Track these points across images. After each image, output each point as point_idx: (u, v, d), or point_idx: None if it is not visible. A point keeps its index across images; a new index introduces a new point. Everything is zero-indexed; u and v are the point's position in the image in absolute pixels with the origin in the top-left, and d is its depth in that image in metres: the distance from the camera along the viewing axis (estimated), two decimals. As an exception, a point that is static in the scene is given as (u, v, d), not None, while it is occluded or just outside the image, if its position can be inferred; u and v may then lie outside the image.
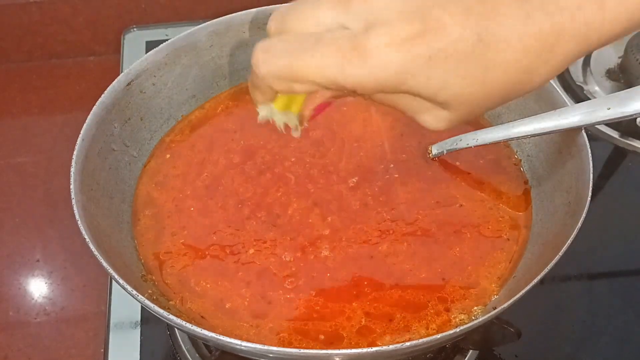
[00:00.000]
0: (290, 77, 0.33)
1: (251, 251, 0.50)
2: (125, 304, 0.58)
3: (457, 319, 0.46)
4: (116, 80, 0.55)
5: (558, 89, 0.53)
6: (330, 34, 0.32)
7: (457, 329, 0.39)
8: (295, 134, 0.41)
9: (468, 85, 0.33)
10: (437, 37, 0.31)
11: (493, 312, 0.40)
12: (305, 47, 0.32)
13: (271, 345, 0.39)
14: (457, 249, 0.50)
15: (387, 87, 0.32)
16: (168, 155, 0.58)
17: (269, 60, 0.33)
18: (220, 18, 0.61)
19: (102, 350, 0.56)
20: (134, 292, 0.41)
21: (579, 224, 0.44)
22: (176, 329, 0.56)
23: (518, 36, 0.32)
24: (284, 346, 0.44)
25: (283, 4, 0.61)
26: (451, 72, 0.32)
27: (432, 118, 0.35)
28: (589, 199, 0.45)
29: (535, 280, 0.41)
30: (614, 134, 0.70)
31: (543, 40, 0.32)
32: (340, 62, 0.32)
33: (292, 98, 0.38)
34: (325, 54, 0.32)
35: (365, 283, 0.48)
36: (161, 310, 0.40)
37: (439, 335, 0.39)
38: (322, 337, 0.46)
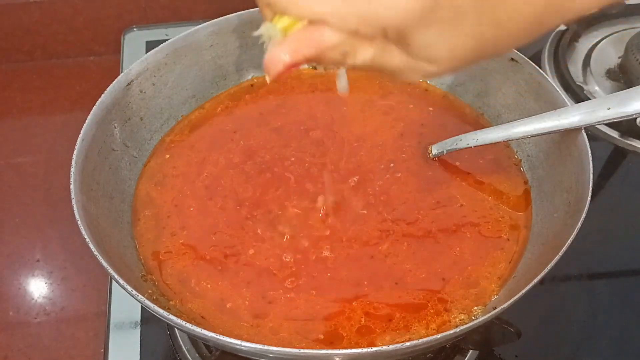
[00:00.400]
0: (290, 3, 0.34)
1: (251, 251, 0.50)
2: (125, 304, 0.58)
3: (457, 319, 0.46)
4: (116, 80, 0.55)
5: (558, 89, 0.53)
6: None
7: (457, 329, 0.39)
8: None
9: (464, 40, 0.33)
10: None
11: (493, 312, 0.40)
12: None
13: (271, 345, 0.39)
14: (457, 249, 0.50)
15: (389, 27, 0.32)
16: (167, 156, 0.58)
17: None
18: (220, 18, 0.61)
19: (102, 350, 0.56)
20: (134, 292, 0.41)
21: (579, 224, 0.44)
22: (176, 329, 0.56)
23: None
24: (284, 346, 0.44)
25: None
26: (449, 24, 0.32)
27: (417, 73, 0.35)
28: (589, 199, 0.45)
29: (535, 280, 0.41)
30: (614, 134, 0.70)
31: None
32: None
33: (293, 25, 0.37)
34: None
35: (365, 283, 0.48)
36: (161, 310, 0.40)
37: (439, 335, 0.39)
38: (321, 336, 0.46)
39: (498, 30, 0.34)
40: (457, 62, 0.34)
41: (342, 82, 0.40)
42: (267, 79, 0.37)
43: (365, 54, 0.34)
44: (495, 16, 0.33)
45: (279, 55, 0.36)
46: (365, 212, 0.52)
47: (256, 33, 0.37)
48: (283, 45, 0.36)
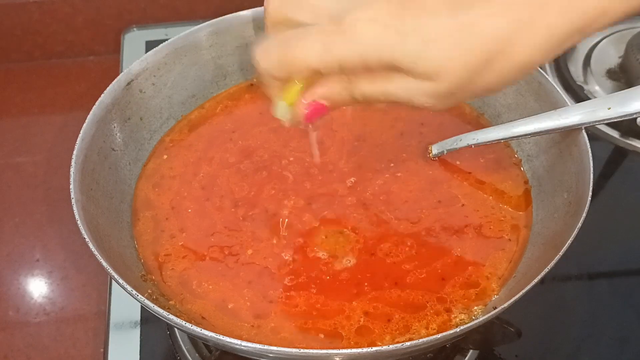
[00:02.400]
0: (285, 64, 0.36)
1: (250, 252, 0.50)
2: (125, 304, 0.58)
3: (458, 319, 0.46)
4: (116, 80, 0.55)
5: (558, 89, 0.53)
6: (319, 24, 0.36)
7: (458, 329, 0.39)
8: (286, 123, 0.41)
9: (448, 46, 0.33)
10: (415, 12, 0.33)
11: (493, 312, 0.40)
12: (296, 37, 0.36)
13: (271, 345, 0.39)
14: (459, 249, 0.50)
15: (370, 60, 0.34)
16: (165, 156, 0.58)
17: (266, 55, 0.37)
18: (220, 18, 0.61)
19: (102, 350, 0.56)
20: (134, 292, 0.41)
21: (580, 224, 0.44)
22: (176, 329, 0.56)
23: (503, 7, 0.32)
24: (284, 346, 0.44)
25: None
26: (428, 33, 0.33)
27: (421, 94, 0.36)
28: (590, 198, 0.45)
29: (536, 280, 0.41)
30: (615, 133, 0.70)
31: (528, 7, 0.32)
32: (325, 41, 0.34)
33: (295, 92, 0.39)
34: (312, 38, 0.35)
35: (365, 283, 0.48)
36: (161, 310, 0.40)
37: (439, 335, 0.39)
38: (321, 336, 0.45)
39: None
40: (454, 72, 0.34)
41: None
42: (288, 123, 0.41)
43: (366, 87, 0.37)
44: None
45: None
46: (365, 211, 0.52)
47: (277, 116, 0.40)
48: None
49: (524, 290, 0.41)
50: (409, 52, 0.33)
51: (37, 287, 0.65)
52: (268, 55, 0.37)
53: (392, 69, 0.35)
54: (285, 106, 0.40)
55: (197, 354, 0.54)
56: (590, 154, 0.48)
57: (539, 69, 0.55)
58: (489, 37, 0.33)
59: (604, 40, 0.80)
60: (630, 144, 0.69)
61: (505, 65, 0.34)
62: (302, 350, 0.39)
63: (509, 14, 0.33)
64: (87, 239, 0.44)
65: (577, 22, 0.33)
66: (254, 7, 0.61)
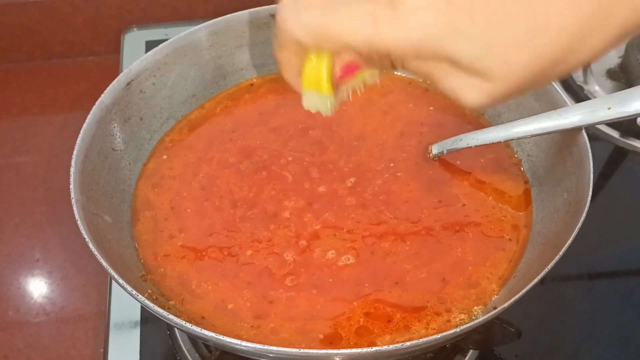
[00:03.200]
0: (321, 34, 0.32)
1: (249, 252, 0.50)
2: (125, 304, 0.58)
3: (458, 319, 0.46)
4: (116, 80, 0.55)
5: (558, 89, 0.53)
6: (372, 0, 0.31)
7: (458, 329, 0.39)
8: (326, 113, 0.39)
9: (514, 50, 0.30)
10: (483, 7, 0.29)
11: (493, 312, 0.40)
12: (344, 9, 0.31)
13: (271, 345, 0.39)
14: (459, 249, 0.50)
15: (424, 51, 0.31)
16: (165, 156, 0.58)
17: (298, 14, 0.32)
18: (220, 18, 0.61)
19: (102, 350, 0.56)
20: (134, 291, 0.41)
21: (580, 224, 0.44)
22: (176, 329, 0.56)
23: None
24: (284, 346, 0.44)
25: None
26: (496, 34, 0.29)
27: (472, 91, 0.32)
28: (590, 198, 0.45)
29: (536, 280, 0.41)
30: (615, 133, 0.70)
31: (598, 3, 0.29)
32: (376, 20, 0.30)
33: (320, 75, 0.35)
34: (360, 11, 0.31)
35: (366, 283, 0.48)
36: (161, 310, 0.40)
37: (439, 335, 0.39)
38: (321, 336, 0.45)
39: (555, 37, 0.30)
40: (516, 77, 0.31)
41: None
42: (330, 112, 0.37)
43: (411, 63, 0.33)
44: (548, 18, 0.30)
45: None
46: (365, 211, 0.52)
47: (305, 105, 0.37)
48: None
49: (524, 291, 0.41)
50: (471, 52, 0.30)
51: (37, 287, 0.65)
52: (301, 14, 0.32)
53: (445, 60, 0.31)
54: (317, 95, 0.36)
55: (197, 354, 0.54)
56: (590, 154, 0.48)
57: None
58: (558, 40, 0.30)
59: (604, 40, 0.79)
60: (630, 144, 0.69)
61: (572, 64, 0.31)
62: (302, 350, 0.39)
63: (579, 8, 0.29)
64: (87, 239, 0.44)
65: None
66: (254, 7, 0.61)
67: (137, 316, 0.57)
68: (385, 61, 0.33)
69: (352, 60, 0.35)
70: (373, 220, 0.52)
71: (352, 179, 0.55)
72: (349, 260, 0.49)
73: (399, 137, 0.58)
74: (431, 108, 0.61)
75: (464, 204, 0.53)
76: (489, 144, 0.53)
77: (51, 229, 0.70)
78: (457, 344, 0.54)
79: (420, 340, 0.39)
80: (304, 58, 0.35)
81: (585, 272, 0.61)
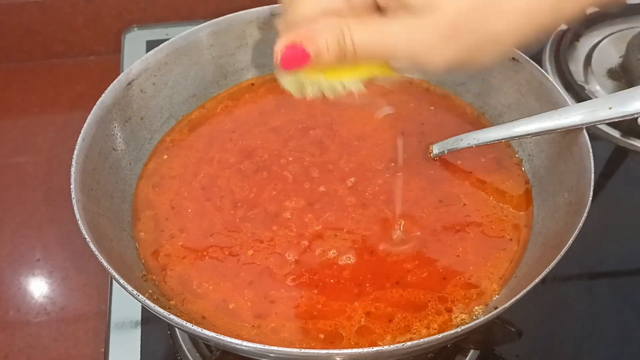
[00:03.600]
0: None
1: (250, 252, 0.50)
2: (126, 304, 0.58)
3: (458, 319, 0.46)
4: (116, 80, 0.55)
5: (559, 89, 0.53)
6: None
7: (458, 329, 0.39)
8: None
9: None
10: None
11: (494, 312, 0.40)
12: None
13: (272, 345, 0.39)
14: (460, 248, 0.50)
15: None
16: (166, 156, 0.58)
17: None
18: (220, 18, 0.61)
19: (103, 350, 0.56)
20: (135, 291, 0.41)
21: (580, 224, 0.44)
22: (177, 329, 0.56)
23: None
24: (285, 346, 0.44)
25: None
26: None
27: (422, 34, 0.33)
28: (590, 198, 0.45)
29: (537, 280, 0.41)
30: (615, 133, 0.70)
31: None
32: None
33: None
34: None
35: (367, 285, 0.48)
36: (162, 310, 0.40)
37: (440, 335, 0.39)
38: (322, 336, 0.45)
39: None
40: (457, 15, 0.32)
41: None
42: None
43: (360, 32, 0.33)
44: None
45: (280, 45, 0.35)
46: (366, 211, 0.52)
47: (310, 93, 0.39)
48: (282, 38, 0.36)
49: (524, 290, 0.41)
50: None
51: (38, 287, 0.65)
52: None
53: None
54: (320, 80, 0.36)
55: (197, 354, 0.54)
56: (591, 154, 0.48)
57: (540, 68, 0.55)
58: None
59: (605, 40, 0.80)
60: (631, 144, 0.69)
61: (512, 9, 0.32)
62: (302, 350, 0.39)
63: None
64: (87, 239, 0.44)
65: None
66: (254, 7, 0.61)
67: (138, 316, 0.57)
68: (334, 43, 0.34)
69: (299, 46, 0.34)
70: (374, 219, 0.52)
71: (352, 179, 0.55)
72: (349, 259, 0.49)
73: (400, 136, 0.58)
74: (432, 108, 0.61)
75: (464, 204, 0.53)
76: (490, 143, 0.53)
77: (51, 229, 0.70)
78: (458, 344, 0.54)
79: (421, 340, 0.39)
80: None
81: (586, 272, 0.61)
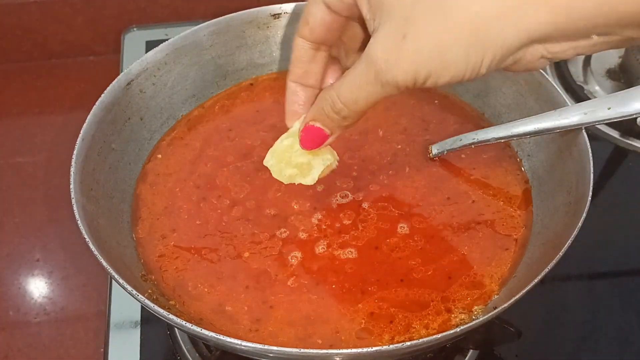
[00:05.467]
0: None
1: (247, 254, 0.50)
2: (126, 304, 0.58)
3: (458, 319, 0.46)
4: (116, 80, 0.55)
5: (558, 89, 0.53)
6: None
7: (458, 329, 0.39)
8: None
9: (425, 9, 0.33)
10: None
11: (494, 312, 0.40)
12: None
13: (271, 345, 0.39)
14: (466, 247, 0.50)
15: None
16: (165, 156, 0.58)
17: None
18: (220, 18, 0.61)
19: (102, 350, 0.56)
20: (134, 291, 0.41)
21: (580, 224, 0.44)
22: (176, 329, 0.56)
23: None
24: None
25: (284, 4, 0.61)
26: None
27: (373, 40, 0.36)
28: (590, 198, 0.45)
29: (536, 280, 0.41)
30: (615, 133, 0.70)
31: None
32: None
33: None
34: None
35: (371, 284, 0.48)
36: (161, 310, 0.40)
37: (439, 335, 0.39)
38: (319, 341, 0.45)
39: None
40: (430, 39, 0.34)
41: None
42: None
43: (343, 87, 0.39)
44: None
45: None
46: (370, 208, 0.52)
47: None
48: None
49: (524, 291, 0.41)
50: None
51: (38, 287, 0.65)
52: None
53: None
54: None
55: (197, 354, 0.54)
56: (590, 154, 0.48)
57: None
58: None
59: (604, 40, 0.80)
60: (630, 144, 0.69)
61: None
62: (302, 350, 0.39)
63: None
64: (87, 239, 0.44)
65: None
66: (254, 7, 0.61)
67: (138, 316, 0.57)
68: (330, 111, 0.40)
69: (312, 126, 0.42)
70: (377, 217, 0.52)
71: (354, 174, 0.54)
72: (352, 254, 0.49)
73: (402, 133, 0.58)
74: (437, 101, 0.61)
75: (473, 201, 0.53)
76: (489, 143, 0.54)
77: (51, 229, 0.70)
78: (458, 344, 0.54)
79: (421, 340, 0.39)
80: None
81: (585, 272, 0.61)
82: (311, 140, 0.42)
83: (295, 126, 0.45)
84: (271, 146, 0.52)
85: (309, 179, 0.46)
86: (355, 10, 0.38)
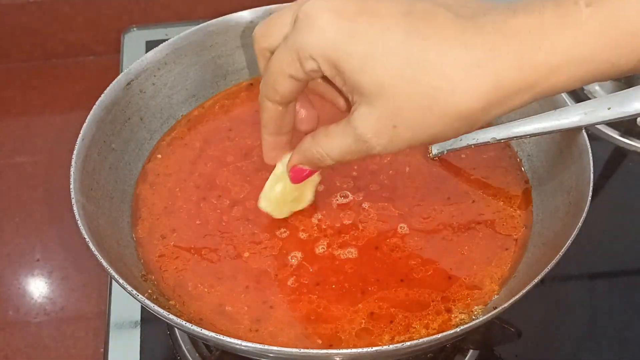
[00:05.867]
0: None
1: (247, 254, 0.50)
2: (125, 304, 0.58)
3: (458, 319, 0.46)
4: (116, 80, 0.55)
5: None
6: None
7: (458, 329, 0.39)
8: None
9: (391, 75, 0.34)
10: (369, 19, 0.34)
11: (494, 312, 0.40)
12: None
13: (271, 345, 0.39)
14: (466, 247, 0.50)
15: (325, 54, 0.35)
16: (164, 156, 0.58)
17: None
18: (220, 18, 0.61)
19: (102, 350, 0.56)
20: (134, 291, 0.41)
21: (580, 224, 0.44)
22: (176, 329, 0.56)
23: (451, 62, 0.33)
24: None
25: (284, 4, 0.62)
26: (374, 56, 0.34)
27: (358, 114, 0.37)
28: (590, 198, 0.45)
29: (536, 280, 0.41)
30: (615, 133, 0.70)
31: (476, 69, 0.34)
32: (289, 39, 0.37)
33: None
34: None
35: (371, 284, 0.48)
36: (161, 310, 0.40)
37: (439, 335, 0.39)
38: (319, 341, 0.45)
39: None
40: (393, 107, 0.35)
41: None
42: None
43: (322, 140, 0.40)
44: None
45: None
46: (370, 207, 0.52)
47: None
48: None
49: (524, 291, 0.41)
50: (353, 62, 0.35)
51: (37, 287, 0.65)
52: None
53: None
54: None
55: (197, 354, 0.54)
56: (590, 154, 0.48)
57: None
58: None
59: (604, 40, 0.80)
60: (631, 144, 0.69)
61: (446, 107, 0.35)
62: (302, 350, 0.39)
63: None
64: (87, 239, 0.44)
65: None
66: (254, 7, 0.61)
67: (138, 316, 0.57)
68: (316, 154, 0.42)
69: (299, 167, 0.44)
70: (377, 217, 0.52)
71: (354, 174, 0.54)
72: (352, 254, 0.49)
73: None
74: None
75: (473, 201, 0.53)
76: (489, 143, 0.54)
77: (51, 229, 0.70)
78: (457, 344, 0.54)
79: (421, 340, 0.39)
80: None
81: (585, 272, 0.61)
82: (301, 177, 0.44)
83: (279, 168, 0.46)
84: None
85: (305, 203, 0.51)
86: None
